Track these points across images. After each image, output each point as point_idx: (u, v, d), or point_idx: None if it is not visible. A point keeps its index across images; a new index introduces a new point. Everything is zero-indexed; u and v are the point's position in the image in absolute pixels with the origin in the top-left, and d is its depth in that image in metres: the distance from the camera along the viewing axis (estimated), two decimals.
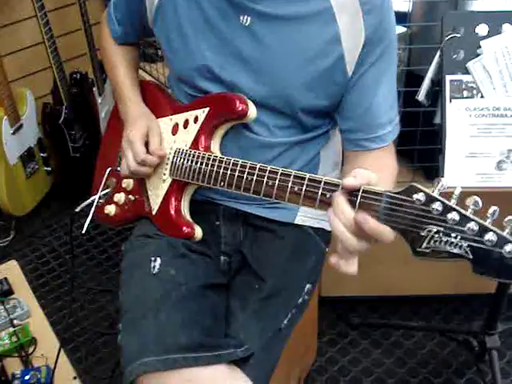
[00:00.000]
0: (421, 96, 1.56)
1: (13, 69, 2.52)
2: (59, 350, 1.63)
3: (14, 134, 2.42)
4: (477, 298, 2.17)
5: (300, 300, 1.31)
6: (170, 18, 1.25)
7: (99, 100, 2.67)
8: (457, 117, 1.48)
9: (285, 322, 1.26)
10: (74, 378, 1.67)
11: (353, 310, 2.20)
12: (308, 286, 1.33)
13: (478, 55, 1.46)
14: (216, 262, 1.35)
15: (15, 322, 1.78)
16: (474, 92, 1.48)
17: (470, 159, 1.48)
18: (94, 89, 2.64)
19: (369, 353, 2.05)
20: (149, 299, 1.18)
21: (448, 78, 1.48)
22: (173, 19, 1.24)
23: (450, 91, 1.48)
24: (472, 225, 0.86)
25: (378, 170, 1.22)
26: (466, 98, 1.48)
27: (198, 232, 1.29)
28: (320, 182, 1.01)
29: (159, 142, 1.31)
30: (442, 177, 1.48)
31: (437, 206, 0.88)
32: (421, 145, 1.76)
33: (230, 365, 1.13)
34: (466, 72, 1.47)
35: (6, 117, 2.36)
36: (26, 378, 1.61)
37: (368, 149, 1.25)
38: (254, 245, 1.35)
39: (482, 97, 1.48)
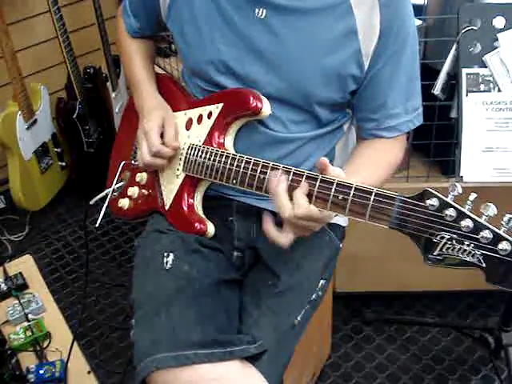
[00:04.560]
0: (437, 90, 1.54)
1: (27, 64, 2.52)
2: (72, 342, 1.64)
3: (28, 129, 2.43)
4: (493, 294, 2.15)
5: (314, 296, 1.30)
6: (183, 11, 1.24)
7: (113, 95, 2.67)
8: (473, 111, 1.46)
9: (298, 318, 1.26)
10: (88, 372, 1.68)
11: (367, 306, 2.19)
12: (322, 281, 1.33)
13: (494, 48, 1.44)
14: (229, 257, 1.35)
15: (30, 316, 1.79)
16: (491, 85, 1.46)
17: (486, 154, 1.46)
18: (108, 84, 2.64)
19: (383, 349, 2.04)
20: (161, 295, 1.18)
21: (464, 71, 1.46)
22: (186, 12, 1.24)
23: (467, 85, 1.46)
24: (486, 233, 0.85)
25: (375, 162, 1.26)
26: (483, 91, 1.46)
27: (211, 228, 1.29)
28: (332, 183, 1.01)
29: (174, 133, 1.30)
30: (459, 173, 1.46)
31: (450, 212, 0.87)
32: (437, 139, 1.74)
33: (243, 361, 1.12)
34: (483, 65, 1.45)
35: (20, 112, 2.37)
36: (41, 372, 1.62)
37: (380, 137, 1.27)
38: (267, 240, 1.33)
39: (499, 90, 1.45)
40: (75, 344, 1.67)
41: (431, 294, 2.18)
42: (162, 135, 1.29)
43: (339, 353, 2.03)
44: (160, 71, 1.54)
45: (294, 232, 1.08)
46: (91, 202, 1.36)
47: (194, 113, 1.31)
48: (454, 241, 0.87)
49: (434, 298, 2.20)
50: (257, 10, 1.16)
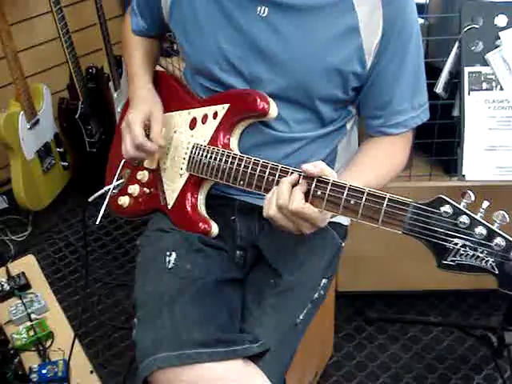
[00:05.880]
0: (439, 88, 1.54)
1: (29, 64, 2.52)
2: (73, 340, 1.63)
3: (30, 129, 2.43)
4: (495, 293, 2.13)
5: (316, 295, 1.30)
6: (186, 11, 1.24)
7: (115, 95, 2.67)
8: (475, 109, 1.46)
9: (301, 317, 1.25)
10: (91, 371, 1.67)
11: (370, 305, 2.18)
12: (324, 280, 1.32)
13: (497, 46, 1.44)
14: (231, 256, 1.35)
15: (32, 316, 1.79)
16: (493, 84, 1.46)
17: (489, 152, 1.46)
18: (110, 84, 2.64)
19: (386, 348, 2.04)
20: (164, 294, 1.18)
21: (466, 69, 1.46)
22: (189, 11, 1.24)
23: (469, 83, 1.46)
24: (499, 240, 0.86)
25: (379, 161, 1.26)
26: (485, 90, 1.46)
27: (214, 228, 1.29)
28: (344, 187, 1.00)
29: (160, 129, 1.29)
30: (461, 172, 1.46)
31: (464, 219, 0.88)
32: (439, 138, 1.74)
33: (245, 360, 1.12)
34: (485, 64, 1.45)
35: (22, 112, 2.37)
36: (44, 371, 1.62)
37: (387, 134, 1.27)
38: (269, 239, 1.34)
39: (501, 89, 1.45)
40: (78, 344, 1.67)
41: (434, 293, 2.18)
42: (147, 128, 1.29)
43: (342, 352, 2.03)
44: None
45: (280, 223, 1.07)
46: (90, 199, 1.36)
47: (198, 112, 1.31)
48: (467, 247, 0.88)
49: (436, 298, 2.19)
50: (259, 8, 1.16)
